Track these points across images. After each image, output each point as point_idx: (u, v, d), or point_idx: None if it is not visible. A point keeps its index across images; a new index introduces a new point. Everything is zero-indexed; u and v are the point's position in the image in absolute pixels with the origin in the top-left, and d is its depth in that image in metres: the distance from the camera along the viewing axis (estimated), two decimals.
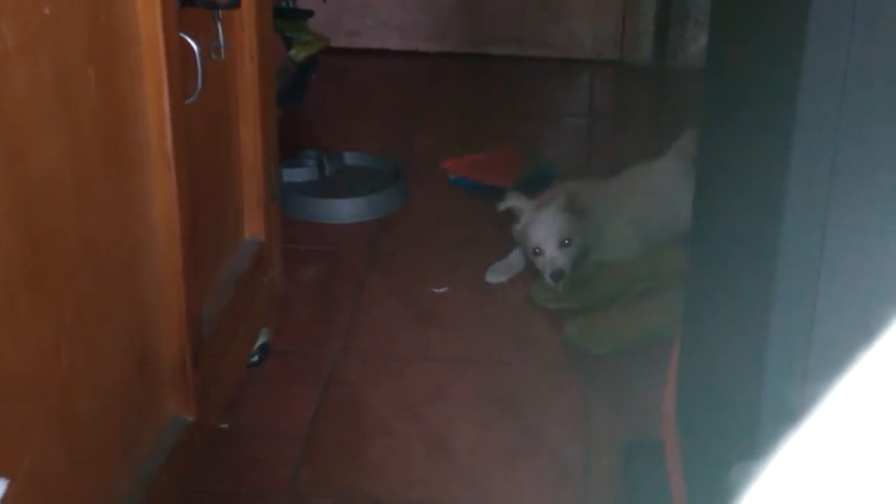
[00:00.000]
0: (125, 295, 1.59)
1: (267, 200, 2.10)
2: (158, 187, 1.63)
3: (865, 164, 1.02)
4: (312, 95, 3.35)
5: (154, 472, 1.67)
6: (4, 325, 1.24)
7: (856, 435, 0.50)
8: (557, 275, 2.49)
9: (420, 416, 2.14)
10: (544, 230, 2.52)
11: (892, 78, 1.00)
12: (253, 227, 2.11)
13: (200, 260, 1.78)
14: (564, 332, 2.38)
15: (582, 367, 2.29)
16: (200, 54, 1.68)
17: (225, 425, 2.06)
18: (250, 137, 2.04)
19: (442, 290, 2.54)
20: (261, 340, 2.21)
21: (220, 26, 1.79)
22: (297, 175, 2.93)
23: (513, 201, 2.59)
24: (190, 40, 1.66)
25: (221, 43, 1.80)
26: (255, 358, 2.21)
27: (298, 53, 3.15)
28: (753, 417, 1.13)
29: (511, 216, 2.60)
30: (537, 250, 2.52)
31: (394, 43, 3.80)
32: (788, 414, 0.92)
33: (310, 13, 3.26)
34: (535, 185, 2.78)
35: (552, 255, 2.51)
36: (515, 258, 2.62)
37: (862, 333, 0.60)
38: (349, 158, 3.05)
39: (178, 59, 1.60)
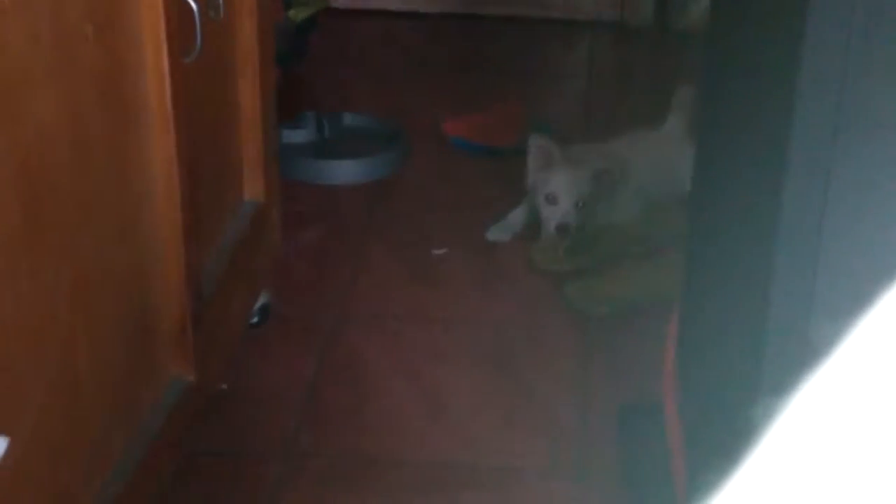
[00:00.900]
0: (124, 255, 1.59)
1: (266, 161, 2.10)
2: (157, 147, 1.62)
3: (869, 118, 1.01)
4: (312, 56, 3.33)
5: (154, 432, 1.68)
6: (2, 283, 1.24)
7: (860, 383, 0.50)
8: (562, 228, 2.47)
9: (419, 377, 2.15)
10: (568, 183, 2.50)
11: None
12: (252, 189, 2.11)
13: (200, 220, 1.78)
14: (564, 293, 2.38)
15: (581, 329, 2.29)
16: (199, 13, 1.67)
17: (224, 386, 2.07)
18: (249, 98, 2.03)
19: (441, 251, 2.54)
20: (260, 302, 2.21)
21: None
22: (296, 136, 2.91)
23: (544, 142, 2.56)
24: None
25: (220, 1, 1.79)
26: (255, 319, 2.21)
27: (297, 14, 3.13)
28: (756, 368, 1.13)
29: (521, 165, 2.58)
30: (551, 197, 2.50)
31: (394, 3, 3.78)
32: (793, 362, 0.92)
33: None
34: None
35: (566, 208, 2.49)
36: (515, 217, 2.61)
37: (866, 282, 0.60)
38: (349, 120, 3.03)
39: (177, 17, 1.59)
